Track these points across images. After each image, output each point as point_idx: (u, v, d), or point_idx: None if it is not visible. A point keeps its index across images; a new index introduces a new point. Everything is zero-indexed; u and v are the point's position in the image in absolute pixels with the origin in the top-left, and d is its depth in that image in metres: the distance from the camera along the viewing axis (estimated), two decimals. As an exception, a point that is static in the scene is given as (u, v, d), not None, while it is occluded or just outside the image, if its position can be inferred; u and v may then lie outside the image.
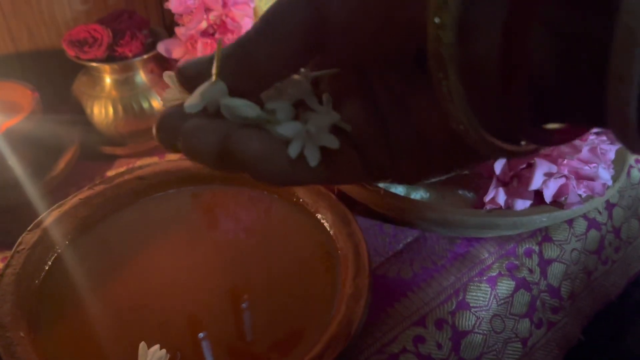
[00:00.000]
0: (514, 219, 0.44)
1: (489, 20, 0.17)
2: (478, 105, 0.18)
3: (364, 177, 0.23)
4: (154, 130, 0.23)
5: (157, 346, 0.37)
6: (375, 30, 0.20)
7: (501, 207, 0.45)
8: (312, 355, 0.36)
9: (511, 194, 0.45)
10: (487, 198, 0.45)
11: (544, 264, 0.50)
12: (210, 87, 0.21)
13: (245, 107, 0.21)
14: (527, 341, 0.48)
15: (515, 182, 0.46)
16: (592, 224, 0.54)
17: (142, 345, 0.37)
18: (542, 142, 0.20)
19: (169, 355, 0.37)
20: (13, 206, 0.51)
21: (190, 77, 0.23)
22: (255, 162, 0.20)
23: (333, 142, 0.21)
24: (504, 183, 0.46)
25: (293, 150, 0.21)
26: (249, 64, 0.21)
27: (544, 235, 0.51)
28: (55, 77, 0.62)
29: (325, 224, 0.47)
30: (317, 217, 0.48)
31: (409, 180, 0.24)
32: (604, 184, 0.44)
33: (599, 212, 0.55)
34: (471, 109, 0.18)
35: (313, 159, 0.21)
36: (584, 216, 0.54)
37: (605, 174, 0.44)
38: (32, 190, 0.53)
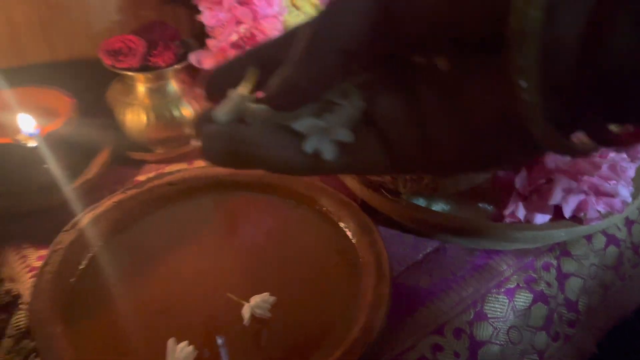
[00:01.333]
0: (533, 232, 0.45)
1: (576, 5, 0.17)
2: (548, 91, 0.18)
3: (388, 168, 0.23)
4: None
5: (185, 342, 0.39)
6: (452, 9, 0.19)
7: (520, 220, 0.46)
8: (336, 356, 0.38)
9: (531, 208, 0.46)
10: (507, 212, 0.46)
11: (562, 277, 0.51)
12: (236, 99, 0.23)
13: (266, 112, 0.23)
14: (544, 354, 0.49)
15: (535, 196, 0.47)
16: (612, 240, 0.55)
17: (171, 341, 0.39)
18: (606, 141, 0.19)
19: (197, 352, 0.39)
20: (50, 207, 0.53)
21: (218, 87, 0.24)
22: (272, 161, 0.22)
23: (347, 136, 0.22)
24: (523, 197, 0.47)
25: (309, 146, 0.22)
26: (295, 88, 0.22)
27: (562, 250, 0.52)
28: (91, 84, 0.64)
29: (348, 233, 0.49)
30: (339, 225, 0.50)
31: (445, 171, 0.24)
32: (623, 201, 0.45)
33: (618, 229, 0.56)
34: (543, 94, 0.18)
35: (328, 153, 0.22)
36: (603, 232, 0.55)
37: (624, 191, 0.45)
38: (67, 192, 0.55)
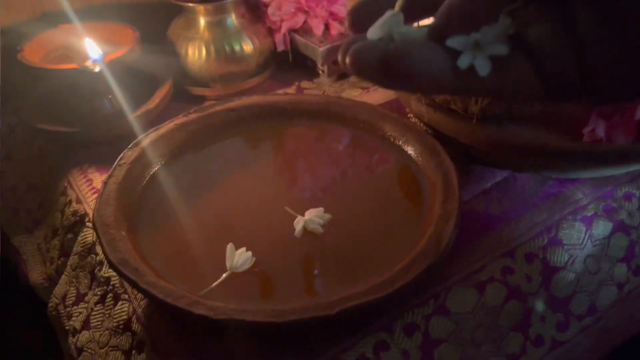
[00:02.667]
0: (618, 149, 0.42)
1: None
2: None
3: (540, 93, 0.22)
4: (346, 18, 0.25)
5: (243, 248, 0.38)
6: None
7: (602, 139, 0.43)
8: (402, 265, 0.36)
9: (613, 126, 0.42)
10: (587, 129, 0.43)
11: (645, 209, 0.47)
12: (389, 19, 0.22)
13: (417, 33, 0.22)
14: (624, 287, 0.46)
15: (618, 115, 0.43)
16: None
17: (230, 246, 0.38)
18: None
19: (254, 259, 0.38)
20: (113, 137, 0.54)
21: (362, 18, 0.24)
22: (424, 78, 0.21)
23: (502, 49, 0.21)
24: (605, 116, 0.44)
25: (463, 62, 0.21)
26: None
27: (645, 181, 0.48)
28: (153, 20, 0.65)
29: (413, 155, 0.47)
30: (404, 149, 0.48)
31: (604, 100, 0.23)
32: None
33: None
34: None
35: (482, 68, 0.21)
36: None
37: None
38: (129, 122, 0.55)
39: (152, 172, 0.47)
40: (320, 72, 0.66)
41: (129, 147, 0.47)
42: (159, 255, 0.39)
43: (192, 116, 0.51)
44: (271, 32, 0.64)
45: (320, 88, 0.65)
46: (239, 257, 0.38)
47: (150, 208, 0.44)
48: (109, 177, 0.44)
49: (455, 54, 0.21)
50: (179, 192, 0.45)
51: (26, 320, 0.61)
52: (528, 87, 0.22)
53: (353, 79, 0.66)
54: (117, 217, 0.41)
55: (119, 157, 0.46)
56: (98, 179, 0.52)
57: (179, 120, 0.50)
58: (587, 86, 0.21)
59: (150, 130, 0.49)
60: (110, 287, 0.43)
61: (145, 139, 0.48)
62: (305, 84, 0.66)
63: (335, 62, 0.64)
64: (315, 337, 0.36)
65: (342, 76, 0.66)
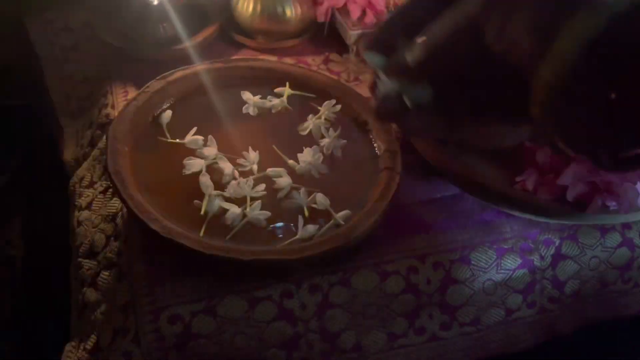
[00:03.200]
0: (534, 205, 0.49)
1: None
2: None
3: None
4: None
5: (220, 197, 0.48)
6: None
7: (528, 190, 0.50)
8: (317, 241, 0.46)
9: (541, 182, 0.49)
10: (519, 178, 0.50)
11: (558, 257, 0.54)
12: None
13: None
14: (513, 313, 0.54)
15: (551, 175, 0.50)
16: (627, 242, 0.56)
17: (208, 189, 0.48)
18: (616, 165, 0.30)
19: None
20: (157, 60, 0.65)
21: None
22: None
23: None
24: (541, 171, 0.50)
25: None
26: None
27: (570, 234, 0.55)
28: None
29: (377, 152, 0.55)
30: (374, 145, 0.56)
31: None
32: (630, 203, 0.47)
33: (640, 236, 0.57)
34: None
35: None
36: (622, 233, 0.56)
37: (634, 195, 0.47)
38: (174, 50, 0.66)
39: (169, 105, 0.57)
40: (350, 50, 0.73)
41: (156, 78, 0.57)
42: (147, 174, 0.50)
43: (217, 65, 0.60)
44: (316, 3, 0.72)
45: (345, 64, 0.72)
46: (213, 203, 0.48)
47: (156, 135, 0.54)
48: (133, 99, 0.55)
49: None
50: (185, 127, 0.55)
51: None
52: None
53: (376, 64, 0.73)
54: (126, 134, 0.52)
55: (145, 85, 0.56)
56: (132, 93, 0.63)
57: (205, 65, 0.60)
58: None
59: (179, 69, 0.59)
60: (113, 185, 0.55)
61: (172, 75, 0.58)
62: (333, 56, 0.73)
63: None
64: (235, 274, 0.47)
65: (368, 59, 0.73)
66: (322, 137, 0.56)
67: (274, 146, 0.54)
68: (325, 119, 0.58)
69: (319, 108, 0.59)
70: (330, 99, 0.59)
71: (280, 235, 0.48)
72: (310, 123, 0.57)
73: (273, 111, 0.58)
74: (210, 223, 0.47)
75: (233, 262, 0.44)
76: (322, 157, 0.54)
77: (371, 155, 0.56)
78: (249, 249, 0.45)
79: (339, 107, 0.58)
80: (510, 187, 0.51)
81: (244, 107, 0.58)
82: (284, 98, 0.59)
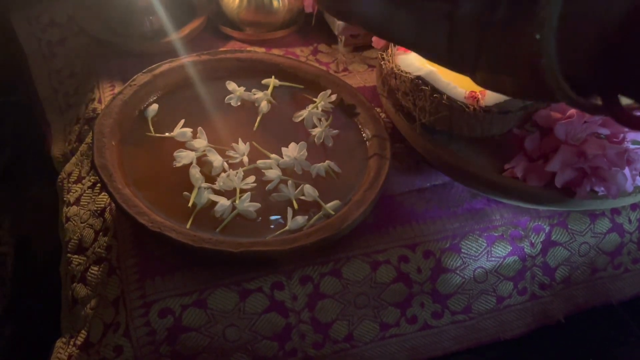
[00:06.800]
0: (526, 191, 0.49)
1: None
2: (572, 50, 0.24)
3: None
4: None
5: (208, 189, 0.48)
6: None
7: (517, 177, 0.50)
8: (307, 231, 0.46)
9: (530, 169, 0.49)
10: (509, 165, 0.50)
11: (548, 244, 0.54)
12: None
13: None
14: (504, 300, 0.54)
15: (540, 162, 0.50)
16: (617, 228, 0.57)
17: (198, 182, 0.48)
18: (614, 113, 0.25)
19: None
20: (143, 54, 0.64)
21: None
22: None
23: None
24: (529, 159, 0.50)
25: None
26: None
27: (560, 220, 0.55)
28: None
29: (365, 136, 0.55)
30: (361, 131, 0.56)
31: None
32: (619, 188, 0.47)
33: (629, 221, 0.57)
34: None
35: None
36: (612, 219, 0.57)
37: (623, 180, 0.47)
38: (160, 44, 0.65)
39: (155, 98, 0.56)
40: (339, 40, 0.73)
41: (143, 71, 0.57)
42: (135, 168, 0.50)
43: (203, 57, 0.60)
44: (303, -6, 0.71)
45: (334, 55, 0.72)
46: (202, 196, 0.48)
47: (142, 129, 0.54)
48: (119, 93, 0.54)
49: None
50: (172, 122, 0.55)
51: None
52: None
53: (365, 54, 0.73)
54: (113, 128, 0.51)
55: (131, 79, 0.56)
56: (119, 87, 0.62)
57: (191, 58, 0.60)
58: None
59: (165, 62, 0.58)
60: (100, 179, 0.54)
61: (159, 68, 0.57)
62: (322, 47, 0.73)
63: (352, 36, 0.71)
64: (225, 266, 0.47)
65: (356, 49, 0.73)
66: (314, 126, 0.56)
67: (254, 142, 0.54)
68: (322, 110, 0.58)
69: (311, 98, 0.59)
70: (319, 90, 0.59)
71: (272, 227, 0.48)
72: (306, 111, 0.57)
73: (257, 104, 0.58)
74: (200, 216, 0.47)
75: (223, 254, 0.44)
76: (306, 154, 0.53)
77: (360, 143, 0.56)
78: (239, 241, 0.44)
79: (334, 97, 0.58)
80: (500, 174, 0.51)
81: (226, 98, 0.58)
82: (268, 91, 0.59)
